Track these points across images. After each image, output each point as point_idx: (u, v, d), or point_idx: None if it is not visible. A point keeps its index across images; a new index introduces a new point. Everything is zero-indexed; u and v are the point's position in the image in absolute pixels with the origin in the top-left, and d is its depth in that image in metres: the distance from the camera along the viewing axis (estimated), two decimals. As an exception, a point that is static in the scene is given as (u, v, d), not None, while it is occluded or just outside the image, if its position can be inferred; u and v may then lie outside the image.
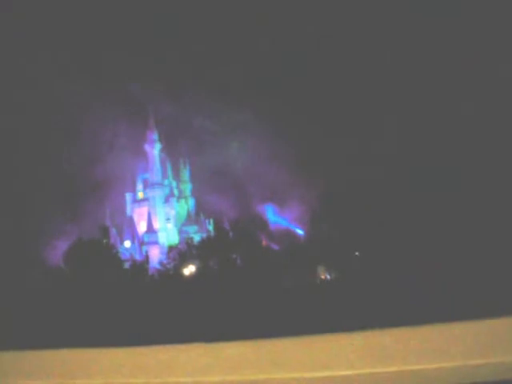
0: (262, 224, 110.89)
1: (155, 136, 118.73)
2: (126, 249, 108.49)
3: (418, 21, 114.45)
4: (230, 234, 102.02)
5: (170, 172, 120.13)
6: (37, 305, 78.40)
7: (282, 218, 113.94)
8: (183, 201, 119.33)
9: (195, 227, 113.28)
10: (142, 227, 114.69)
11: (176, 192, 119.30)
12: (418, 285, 78.70)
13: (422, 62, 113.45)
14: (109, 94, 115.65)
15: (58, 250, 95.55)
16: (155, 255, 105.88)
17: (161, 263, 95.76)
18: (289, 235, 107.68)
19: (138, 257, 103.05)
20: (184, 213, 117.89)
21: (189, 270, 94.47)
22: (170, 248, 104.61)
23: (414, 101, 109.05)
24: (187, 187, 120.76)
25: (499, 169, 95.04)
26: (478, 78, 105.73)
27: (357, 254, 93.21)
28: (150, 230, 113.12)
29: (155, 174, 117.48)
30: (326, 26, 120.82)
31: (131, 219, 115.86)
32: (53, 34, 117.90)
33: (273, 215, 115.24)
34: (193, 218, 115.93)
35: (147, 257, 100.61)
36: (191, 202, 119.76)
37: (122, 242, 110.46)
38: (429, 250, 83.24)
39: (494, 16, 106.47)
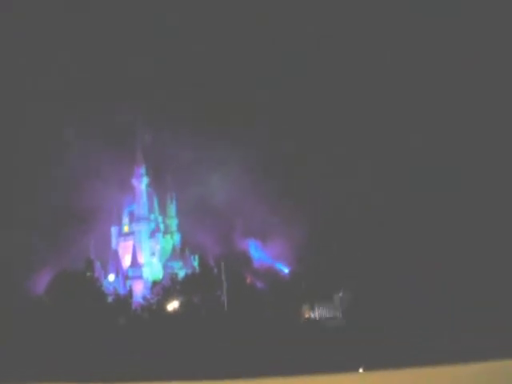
0: (247, 261, 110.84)
1: (143, 170, 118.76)
2: (110, 283, 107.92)
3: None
4: (215, 270, 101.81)
5: (156, 207, 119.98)
6: (17, 338, 77.64)
7: (267, 255, 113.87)
8: (169, 236, 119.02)
9: (180, 263, 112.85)
10: (126, 261, 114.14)
11: (162, 227, 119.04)
12: (403, 326, 78.87)
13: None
14: (96, 127, 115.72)
15: (41, 281, 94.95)
16: (139, 290, 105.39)
17: (144, 298, 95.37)
18: (273, 273, 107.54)
19: (121, 291, 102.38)
20: (169, 248, 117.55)
21: (172, 305, 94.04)
22: (155, 283, 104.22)
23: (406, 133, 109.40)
24: (173, 222, 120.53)
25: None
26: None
27: (340, 294, 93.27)
28: (135, 264, 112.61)
29: (141, 209, 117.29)
30: (316, 56, 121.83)
31: (116, 253, 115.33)
32: (40, 66, 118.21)
33: (258, 251, 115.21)
34: (178, 254, 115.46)
35: (131, 291, 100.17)
36: (177, 237, 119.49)
37: (106, 276, 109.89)
38: (415, 290, 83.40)
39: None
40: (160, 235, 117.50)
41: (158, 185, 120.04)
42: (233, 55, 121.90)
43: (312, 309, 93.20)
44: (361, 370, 56.68)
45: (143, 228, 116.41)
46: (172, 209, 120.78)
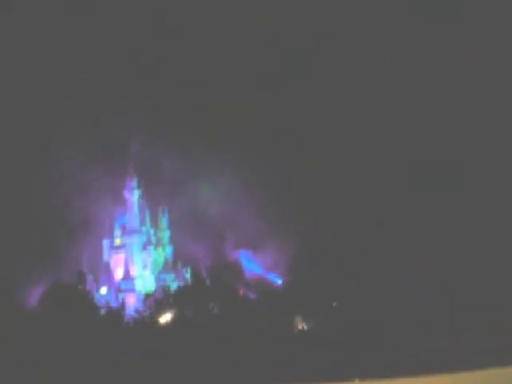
0: (240, 272, 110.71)
1: (134, 183, 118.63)
2: (102, 296, 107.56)
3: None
4: (207, 282, 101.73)
5: (148, 219, 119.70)
6: (10, 350, 77.27)
7: (259, 266, 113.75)
8: (161, 248, 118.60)
9: (172, 275, 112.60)
10: (118, 274, 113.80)
11: (154, 239, 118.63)
12: (402, 331, 78.74)
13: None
14: (88, 140, 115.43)
15: (34, 294, 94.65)
16: (131, 303, 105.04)
17: (137, 311, 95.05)
18: (266, 284, 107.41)
19: (114, 304, 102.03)
20: (161, 260, 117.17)
21: (165, 318, 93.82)
22: (147, 296, 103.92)
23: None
24: (165, 235, 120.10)
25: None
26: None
27: (334, 304, 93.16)
28: (127, 277, 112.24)
29: (133, 221, 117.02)
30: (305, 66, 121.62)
31: (108, 266, 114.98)
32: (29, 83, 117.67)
33: (250, 263, 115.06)
34: (170, 266, 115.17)
35: (123, 304, 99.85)
36: (169, 249, 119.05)
37: (98, 289, 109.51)
38: (415, 291, 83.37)
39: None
40: (152, 248, 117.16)
41: (149, 197, 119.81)
42: (231, 62, 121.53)
43: (305, 320, 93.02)
44: (357, 381, 56.60)
45: (135, 241, 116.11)
46: (164, 221, 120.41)
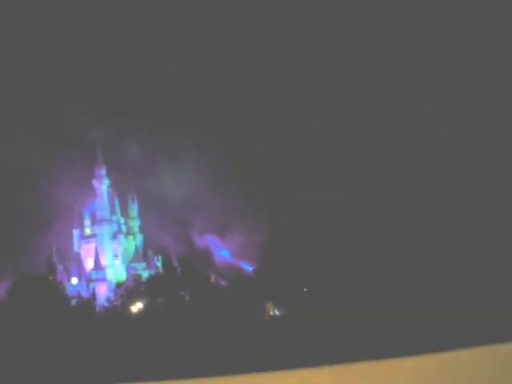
0: (211, 260, 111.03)
1: (103, 171, 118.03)
2: (73, 286, 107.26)
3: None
4: (179, 270, 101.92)
5: (118, 208, 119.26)
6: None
7: (230, 253, 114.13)
8: (131, 237, 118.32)
9: (143, 264, 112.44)
10: (89, 264, 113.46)
11: (124, 228, 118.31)
12: (366, 323, 79.57)
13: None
14: (56, 128, 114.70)
15: (2, 285, 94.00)
16: (103, 292, 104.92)
17: (108, 300, 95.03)
18: (237, 271, 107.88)
19: (85, 294, 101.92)
20: (132, 249, 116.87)
21: (136, 307, 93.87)
22: (118, 285, 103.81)
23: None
24: (135, 223, 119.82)
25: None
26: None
27: (305, 289, 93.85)
28: (98, 266, 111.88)
29: (103, 210, 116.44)
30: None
31: (78, 255, 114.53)
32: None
33: (221, 250, 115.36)
34: (141, 255, 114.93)
35: (94, 294, 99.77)
36: (139, 238, 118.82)
37: (69, 279, 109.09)
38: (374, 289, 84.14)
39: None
40: (122, 236, 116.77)
41: (118, 186, 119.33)
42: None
43: (277, 306, 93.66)
44: (328, 367, 57.28)
45: (105, 230, 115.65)
46: (134, 210, 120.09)
